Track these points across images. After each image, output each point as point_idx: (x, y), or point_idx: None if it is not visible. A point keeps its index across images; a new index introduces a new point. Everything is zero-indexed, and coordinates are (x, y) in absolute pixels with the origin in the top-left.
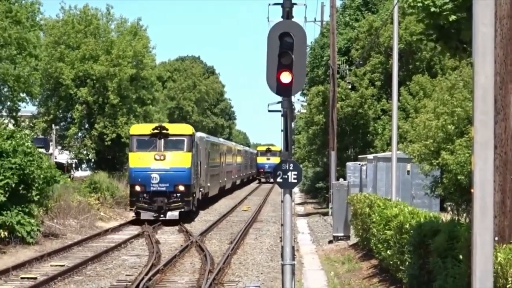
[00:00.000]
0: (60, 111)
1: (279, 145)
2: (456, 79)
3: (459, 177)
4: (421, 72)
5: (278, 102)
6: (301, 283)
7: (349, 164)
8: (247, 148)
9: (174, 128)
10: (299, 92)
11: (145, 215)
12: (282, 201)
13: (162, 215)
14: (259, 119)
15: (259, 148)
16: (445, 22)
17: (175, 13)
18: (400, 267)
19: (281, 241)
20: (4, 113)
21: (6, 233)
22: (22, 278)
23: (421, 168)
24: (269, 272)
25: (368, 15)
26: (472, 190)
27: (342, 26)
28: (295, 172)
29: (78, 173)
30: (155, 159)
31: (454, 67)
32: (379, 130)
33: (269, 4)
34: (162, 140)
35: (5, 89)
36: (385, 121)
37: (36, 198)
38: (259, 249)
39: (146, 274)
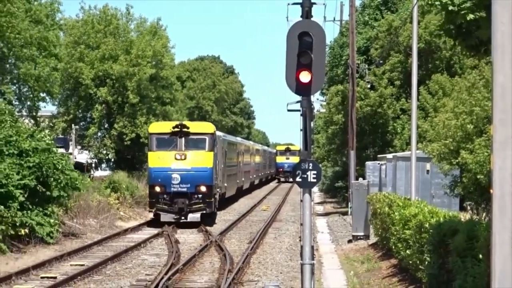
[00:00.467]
0: (80, 111)
1: (298, 145)
2: (475, 78)
3: (478, 176)
4: (440, 71)
5: (297, 102)
6: (320, 282)
7: (368, 163)
8: (265, 148)
9: (195, 127)
10: (318, 92)
11: (165, 217)
12: (301, 201)
13: (183, 217)
14: (278, 119)
15: (278, 148)
16: (462, 21)
17: (195, 13)
18: (420, 267)
19: (300, 240)
20: (24, 113)
21: (26, 231)
22: (42, 277)
23: (441, 168)
24: (289, 272)
25: (388, 15)
26: (491, 190)
27: (362, 26)
28: (314, 172)
29: (98, 173)
30: (176, 159)
31: (474, 66)
32: (398, 129)
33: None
34: (183, 138)
35: (25, 89)
36: (404, 120)
37: (56, 200)
38: (278, 249)
39: (166, 273)
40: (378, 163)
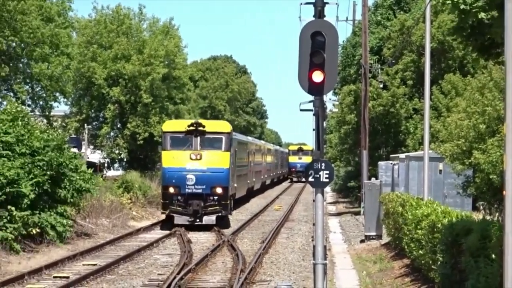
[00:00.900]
0: (93, 110)
1: (311, 144)
2: (486, 78)
3: (491, 177)
4: (453, 71)
5: (310, 101)
6: (332, 282)
7: (381, 163)
8: (277, 147)
9: (211, 125)
10: (331, 91)
11: (179, 220)
12: (313, 201)
13: (197, 220)
14: (291, 118)
15: (291, 147)
16: (474, 19)
17: (207, 13)
18: (432, 267)
19: (312, 240)
20: (37, 113)
21: (38, 230)
22: (54, 277)
23: (453, 168)
24: (301, 272)
25: (400, 14)
26: (504, 192)
27: (374, 25)
28: (327, 172)
29: (110, 173)
30: (191, 159)
31: (486, 65)
32: (411, 129)
33: (301, 3)
34: (199, 138)
35: (38, 88)
36: (417, 120)
37: (69, 200)
38: (290, 249)
39: (178, 273)
40: (391, 163)
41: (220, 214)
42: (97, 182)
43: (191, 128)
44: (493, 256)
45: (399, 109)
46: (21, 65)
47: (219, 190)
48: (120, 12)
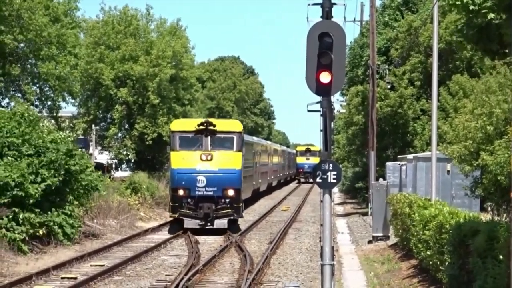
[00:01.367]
0: (100, 111)
1: (318, 145)
2: (494, 79)
3: (499, 178)
4: (461, 71)
5: (318, 102)
6: (340, 283)
7: (388, 164)
8: (285, 148)
9: (222, 124)
10: (339, 92)
11: (189, 223)
12: (321, 201)
13: (209, 224)
14: (298, 119)
15: (299, 148)
16: (483, 20)
17: (215, 13)
18: (440, 267)
19: (320, 241)
20: (45, 113)
21: (45, 231)
22: (62, 278)
23: (461, 169)
24: (309, 272)
25: (408, 15)
26: (511, 194)
27: (382, 26)
28: (335, 172)
29: (118, 174)
30: (201, 159)
31: (493, 66)
32: (418, 130)
33: (309, 4)
34: (209, 137)
35: (46, 88)
36: (424, 121)
37: (76, 201)
38: (298, 249)
39: (186, 274)
40: (398, 164)
41: (232, 218)
42: (104, 183)
43: (201, 127)
44: (501, 257)
45: (406, 110)
46: (29, 65)
47: (231, 193)
48: (127, 13)
